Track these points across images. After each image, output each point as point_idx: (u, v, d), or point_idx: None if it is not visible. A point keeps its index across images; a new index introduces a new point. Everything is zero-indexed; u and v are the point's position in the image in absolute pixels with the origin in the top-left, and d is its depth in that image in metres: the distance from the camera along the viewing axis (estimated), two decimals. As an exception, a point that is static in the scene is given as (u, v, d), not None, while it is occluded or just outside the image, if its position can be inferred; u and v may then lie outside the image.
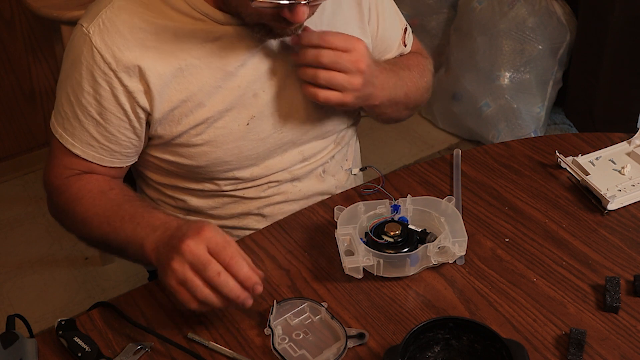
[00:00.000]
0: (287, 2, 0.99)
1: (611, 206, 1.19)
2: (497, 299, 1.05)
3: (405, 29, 1.35)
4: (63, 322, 1.00)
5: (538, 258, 1.11)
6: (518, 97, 2.71)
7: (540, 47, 2.68)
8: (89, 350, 0.97)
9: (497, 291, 1.06)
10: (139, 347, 0.98)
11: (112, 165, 1.16)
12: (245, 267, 0.95)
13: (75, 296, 2.24)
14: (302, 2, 0.99)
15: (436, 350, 0.95)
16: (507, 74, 2.70)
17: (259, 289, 0.95)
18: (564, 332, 1.00)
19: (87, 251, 2.38)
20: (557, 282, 1.07)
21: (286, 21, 1.03)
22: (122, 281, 2.28)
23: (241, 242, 1.16)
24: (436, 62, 2.96)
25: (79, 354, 0.96)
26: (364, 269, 1.06)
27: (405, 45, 1.36)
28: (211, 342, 0.99)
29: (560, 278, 1.08)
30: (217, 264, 0.94)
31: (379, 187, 1.24)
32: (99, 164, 1.15)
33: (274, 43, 1.15)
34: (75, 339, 0.98)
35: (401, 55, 1.36)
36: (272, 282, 1.09)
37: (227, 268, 0.94)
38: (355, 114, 1.31)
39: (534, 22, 2.66)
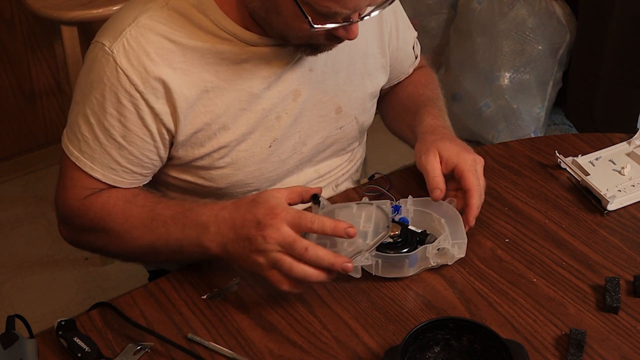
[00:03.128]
0: (347, 23, 1.00)
1: (611, 206, 1.19)
2: (497, 299, 1.05)
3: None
4: (63, 323, 1.00)
5: (538, 258, 1.11)
6: (518, 97, 2.71)
7: (540, 47, 2.67)
8: (89, 350, 0.96)
9: (497, 291, 1.06)
10: (138, 348, 0.98)
11: (131, 187, 1.13)
12: (327, 221, 0.95)
13: (75, 296, 2.24)
14: (358, 20, 1.00)
15: (436, 351, 0.95)
16: (507, 75, 2.70)
17: (352, 231, 0.96)
18: (564, 333, 1.00)
19: (87, 251, 2.37)
20: (557, 282, 1.07)
21: (337, 38, 1.04)
22: (122, 281, 2.28)
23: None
24: (436, 62, 2.96)
25: (79, 355, 0.96)
26: (363, 269, 1.06)
27: (416, 58, 1.38)
28: (211, 343, 0.99)
29: (560, 278, 1.08)
30: (302, 239, 0.94)
31: (384, 190, 1.23)
32: (118, 186, 1.12)
33: (297, 65, 1.14)
34: (75, 339, 0.98)
35: (414, 68, 1.39)
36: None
37: (314, 232, 0.96)
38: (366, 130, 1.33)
39: (533, 23, 2.66)
